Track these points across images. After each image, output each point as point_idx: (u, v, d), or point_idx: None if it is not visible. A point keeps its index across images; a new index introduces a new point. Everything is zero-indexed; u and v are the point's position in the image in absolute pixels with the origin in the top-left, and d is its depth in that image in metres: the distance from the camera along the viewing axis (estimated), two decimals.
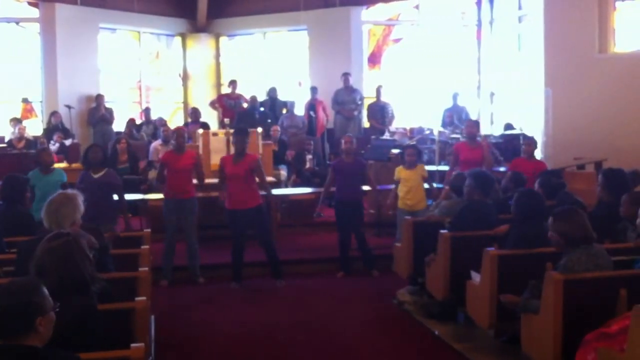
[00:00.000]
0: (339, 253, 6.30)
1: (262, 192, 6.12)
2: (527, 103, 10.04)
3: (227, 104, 10.96)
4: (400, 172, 6.36)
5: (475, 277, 4.21)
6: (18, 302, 2.17)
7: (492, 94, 10.47)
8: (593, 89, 8.51)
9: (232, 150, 7.66)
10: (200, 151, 8.01)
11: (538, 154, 8.87)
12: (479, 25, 11.80)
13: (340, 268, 6.29)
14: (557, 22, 8.81)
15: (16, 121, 9.68)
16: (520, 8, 10.82)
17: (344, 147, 6.38)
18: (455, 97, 10.57)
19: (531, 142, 6.81)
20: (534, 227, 4.05)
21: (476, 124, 7.19)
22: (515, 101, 10.87)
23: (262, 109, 10.58)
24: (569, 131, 8.40)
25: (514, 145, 8.52)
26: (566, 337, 3.27)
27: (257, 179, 6.03)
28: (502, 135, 9.52)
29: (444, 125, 9.90)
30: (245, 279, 6.16)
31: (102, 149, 6.16)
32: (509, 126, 9.89)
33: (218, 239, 7.29)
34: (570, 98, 8.55)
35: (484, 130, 10.61)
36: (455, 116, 10.08)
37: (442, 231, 4.69)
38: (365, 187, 6.53)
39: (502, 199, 5.24)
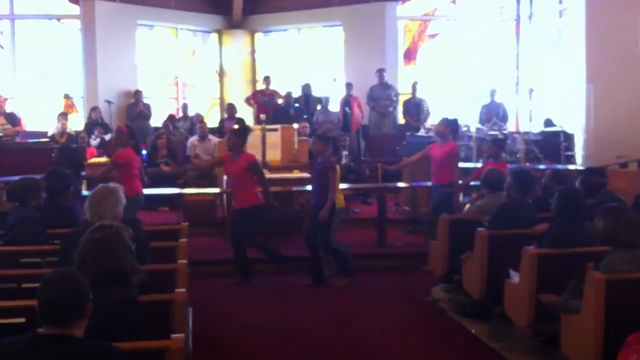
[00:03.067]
0: None
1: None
2: (567, 100, 9.81)
3: (261, 100, 11.03)
4: None
5: (514, 276, 4.15)
6: (72, 289, 2.23)
7: (530, 91, 10.22)
8: (636, 85, 8.26)
9: (266, 145, 7.78)
10: None
11: (579, 152, 8.69)
12: (518, 20, 11.56)
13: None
14: (599, 17, 8.55)
15: (63, 116, 9.93)
16: (560, 2, 10.55)
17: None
18: (492, 93, 10.40)
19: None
20: (573, 226, 3.97)
21: (447, 122, 6.47)
22: (555, 98, 10.63)
23: (296, 105, 10.61)
24: (610, 128, 8.16)
25: (553, 143, 8.33)
26: (607, 338, 3.20)
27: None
28: (542, 133, 9.32)
29: (481, 122, 9.76)
30: (279, 275, 6.24)
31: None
32: (549, 122, 9.67)
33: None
34: (612, 94, 8.31)
35: (522, 127, 10.41)
36: (492, 113, 9.91)
37: (479, 229, 4.64)
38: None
39: (541, 197, 5.14)
